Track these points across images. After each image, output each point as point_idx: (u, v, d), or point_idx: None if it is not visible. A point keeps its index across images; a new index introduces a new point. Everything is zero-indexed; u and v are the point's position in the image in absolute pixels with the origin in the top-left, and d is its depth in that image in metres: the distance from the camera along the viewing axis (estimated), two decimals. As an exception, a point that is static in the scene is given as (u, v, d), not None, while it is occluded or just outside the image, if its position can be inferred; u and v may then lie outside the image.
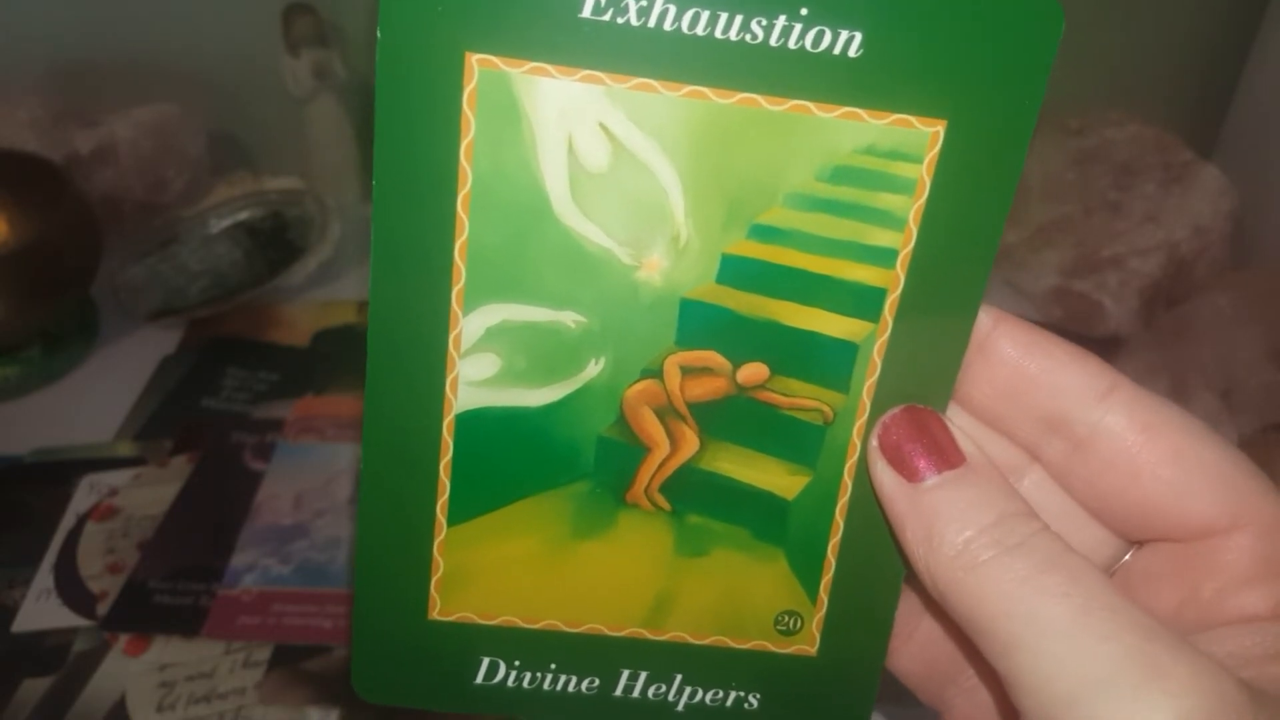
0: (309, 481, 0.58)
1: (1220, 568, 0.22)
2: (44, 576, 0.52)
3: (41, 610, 0.51)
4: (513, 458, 0.24)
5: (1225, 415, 0.64)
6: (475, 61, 0.20)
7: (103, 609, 0.50)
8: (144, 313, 0.69)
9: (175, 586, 0.52)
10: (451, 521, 0.24)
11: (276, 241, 0.74)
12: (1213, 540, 0.22)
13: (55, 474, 0.58)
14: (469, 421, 0.23)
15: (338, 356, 0.68)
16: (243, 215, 0.76)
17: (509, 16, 0.20)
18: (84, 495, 0.57)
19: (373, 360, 0.22)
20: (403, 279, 0.22)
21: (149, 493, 0.57)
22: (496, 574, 0.25)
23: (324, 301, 0.72)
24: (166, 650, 0.49)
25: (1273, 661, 0.20)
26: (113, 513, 0.56)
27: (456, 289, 0.22)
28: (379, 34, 0.20)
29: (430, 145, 0.21)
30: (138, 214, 0.75)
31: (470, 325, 0.22)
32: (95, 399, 0.63)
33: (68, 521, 0.55)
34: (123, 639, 0.49)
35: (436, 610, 0.25)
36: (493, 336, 0.22)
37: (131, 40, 0.75)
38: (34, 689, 0.47)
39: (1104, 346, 0.70)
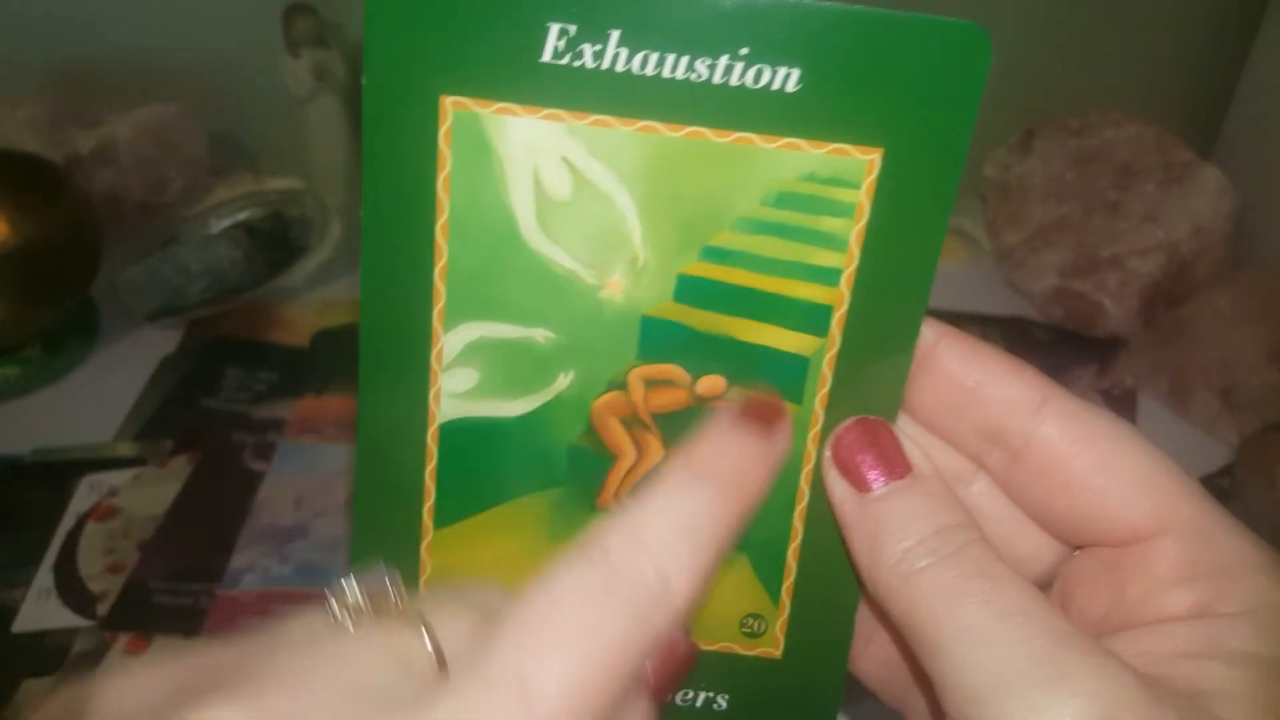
0: (309, 481, 0.58)
1: (1145, 571, 0.23)
2: (44, 576, 0.52)
3: (41, 610, 0.51)
4: (493, 465, 0.25)
5: (1225, 415, 0.64)
6: (449, 103, 0.22)
7: (103, 609, 0.51)
8: (144, 313, 0.69)
9: (175, 586, 0.52)
10: (438, 524, 0.25)
11: (276, 241, 0.74)
12: (1140, 545, 0.23)
13: (55, 474, 0.58)
14: (451, 431, 0.25)
15: (338, 356, 0.68)
16: (243, 215, 0.76)
17: (477, 62, 0.21)
18: (84, 495, 0.57)
19: (363, 376, 0.24)
20: (389, 300, 0.24)
21: (149, 493, 0.57)
22: (480, 575, 0.25)
23: (324, 301, 0.72)
24: (167, 650, 0.49)
25: (1181, 660, 0.21)
26: (113, 513, 0.56)
27: (438, 309, 0.24)
28: (364, 79, 0.21)
29: (411, 178, 0.22)
30: (138, 214, 0.75)
31: (450, 342, 0.24)
32: (95, 399, 0.63)
33: (68, 521, 0.55)
34: (123, 639, 0.49)
35: None
36: (471, 352, 0.24)
37: (131, 40, 0.75)
38: (34, 689, 0.47)
39: (1104, 346, 0.70)
